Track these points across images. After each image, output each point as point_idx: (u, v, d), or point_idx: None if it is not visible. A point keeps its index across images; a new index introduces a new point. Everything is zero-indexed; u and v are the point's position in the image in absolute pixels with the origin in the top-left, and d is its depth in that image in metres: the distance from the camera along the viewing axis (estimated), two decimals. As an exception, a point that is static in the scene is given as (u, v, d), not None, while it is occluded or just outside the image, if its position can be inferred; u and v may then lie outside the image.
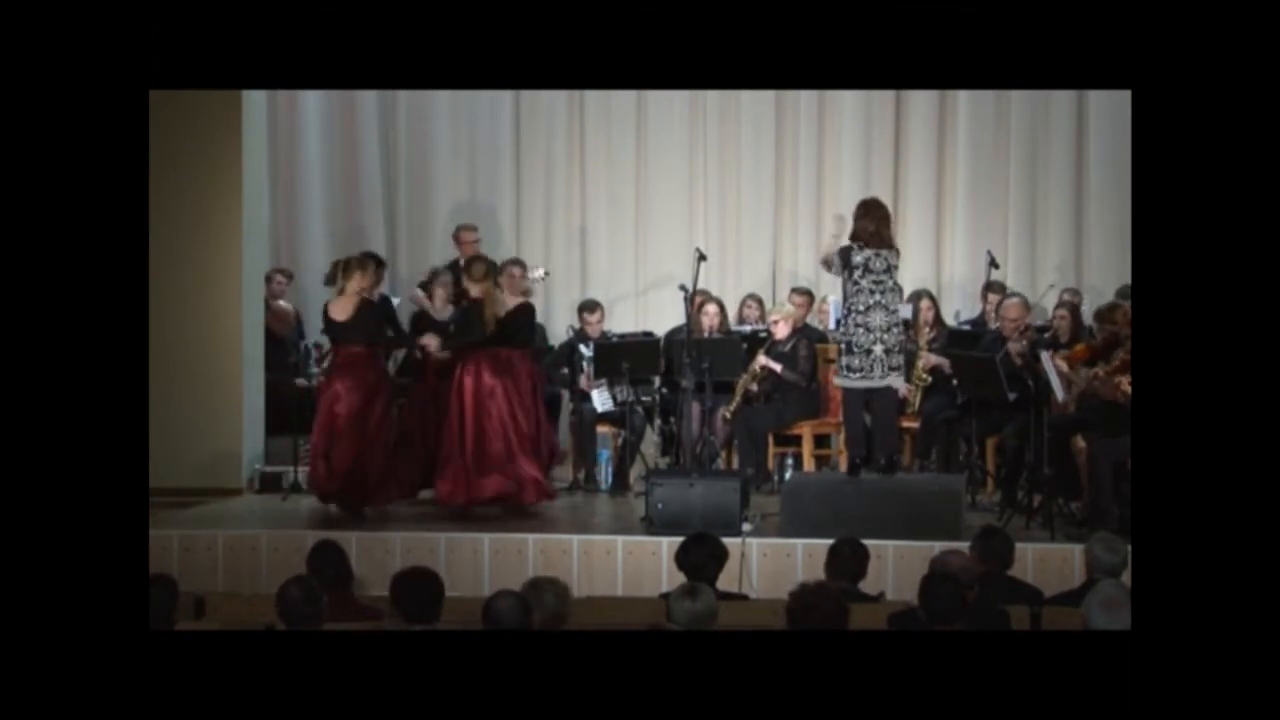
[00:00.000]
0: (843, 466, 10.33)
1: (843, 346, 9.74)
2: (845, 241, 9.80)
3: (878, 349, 9.65)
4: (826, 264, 9.91)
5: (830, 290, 12.02)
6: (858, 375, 9.69)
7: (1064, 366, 9.67)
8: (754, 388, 11.14)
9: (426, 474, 10.30)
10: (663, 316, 12.60)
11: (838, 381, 9.92)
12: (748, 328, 11.75)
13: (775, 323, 11.28)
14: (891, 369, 9.72)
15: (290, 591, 6.18)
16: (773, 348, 11.19)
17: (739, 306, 12.09)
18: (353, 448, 9.98)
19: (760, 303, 12.18)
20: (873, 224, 9.74)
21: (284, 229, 13.49)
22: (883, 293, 9.67)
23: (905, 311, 11.05)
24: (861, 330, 9.63)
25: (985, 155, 13.14)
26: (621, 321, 12.90)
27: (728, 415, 11.08)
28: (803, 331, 11.41)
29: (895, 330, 9.73)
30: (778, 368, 11.11)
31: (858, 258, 9.66)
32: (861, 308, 9.64)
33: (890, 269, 9.72)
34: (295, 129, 13.49)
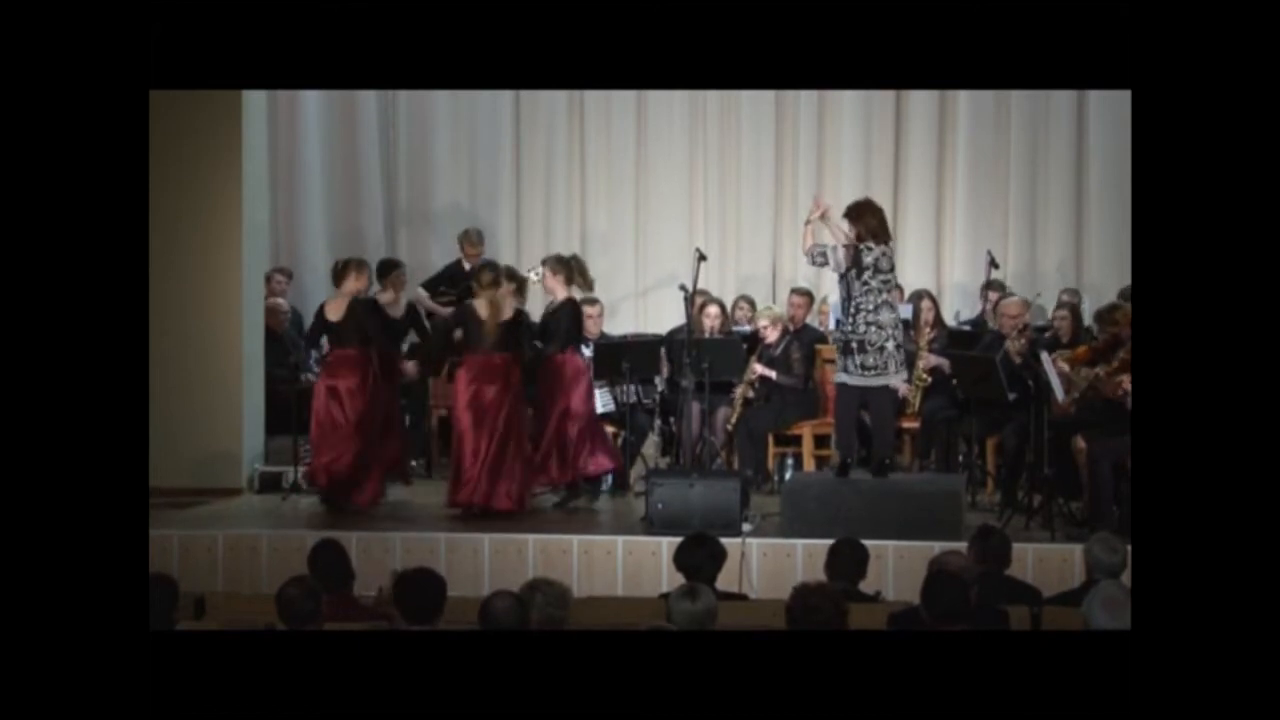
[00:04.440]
0: (843, 467, 10.33)
1: (854, 345, 9.74)
2: (833, 241, 9.84)
3: (890, 345, 9.72)
4: (817, 257, 9.91)
5: (831, 290, 12.01)
6: (872, 373, 9.73)
7: (1065, 367, 9.68)
8: (750, 394, 11.14)
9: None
10: (663, 316, 12.60)
11: (843, 379, 9.92)
12: (744, 328, 11.74)
13: (764, 327, 11.26)
14: (901, 365, 9.80)
15: (289, 591, 6.19)
16: (764, 353, 11.18)
17: (731, 307, 12.09)
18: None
19: (752, 303, 12.17)
20: (875, 218, 9.78)
21: (284, 229, 13.49)
22: (889, 291, 9.76)
23: (905, 311, 11.09)
24: (874, 328, 9.68)
25: (985, 155, 13.15)
26: (622, 322, 12.90)
27: (730, 427, 11.08)
28: (798, 333, 11.41)
29: (900, 327, 9.80)
30: (771, 374, 11.10)
31: (868, 258, 9.68)
32: (871, 306, 9.68)
33: (893, 268, 9.79)
34: (295, 129, 13.50)
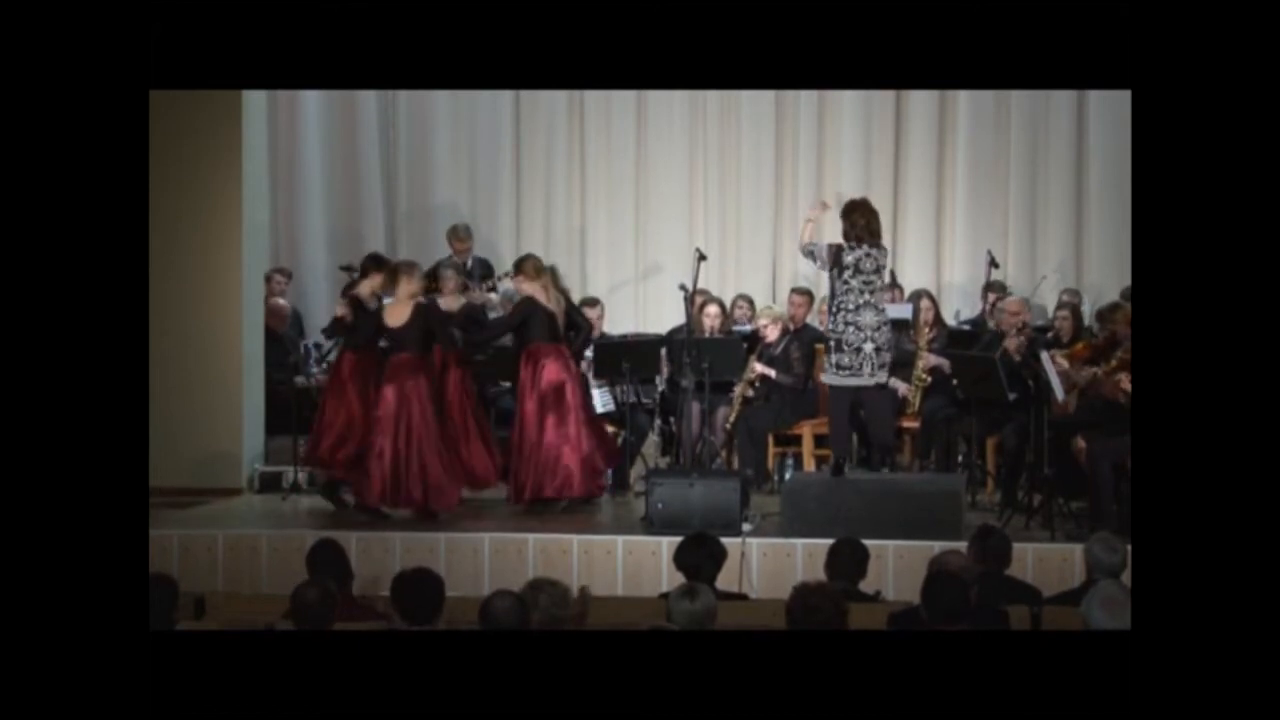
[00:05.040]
0: (843, 466, 10.33)
1: (831, 344, 9.77)
2: (834, 239, 9.86)
3: (868, 347, 9.68)
4: (808, 253, 9.93)
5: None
6: (846, 373, 9.71)
7: (1064, 364, 9.68)
8: (750, 394, 11.14)
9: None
10: (663, 316, 12.60)
11: (824, 379, 9.96)
12: (744, 328, 11.76)
13: (764, 326, 11.27)
14: (880, 367, 9.74)
15: (307, 594, 6.16)
16: (763, 352, 11.19)
17: (730, 307, 12.10)
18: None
19: (751, 303, 12.19)
20: (863, 218, 9.77)
21: (284, 229, 13.49)
22: (872, 292, 9.72)
23: (905, 311, 11.08)
24: (852, 329, 9.67)
25: (985, 155, 13.14)
26: (621, 321, 12.90)
27: (728, 426, 11.09)
28: (798, 332, 11.41)
29: (885, 329, 9.75)
30: (771, 373, 11.11)
31: (849, 258, 9.69)
32: (851, 306, 9.68)
33: (880, 269, 9.76)
34: (295, 129, 13.51)
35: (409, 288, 10.13)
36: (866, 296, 9.69)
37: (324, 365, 12.09)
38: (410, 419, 9.92)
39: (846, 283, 9.69)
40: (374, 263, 10.61)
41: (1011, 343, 10.27)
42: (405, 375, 10.00)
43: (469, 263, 12.29)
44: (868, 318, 9.68)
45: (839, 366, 9.72)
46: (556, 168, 13.56)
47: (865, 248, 9.71)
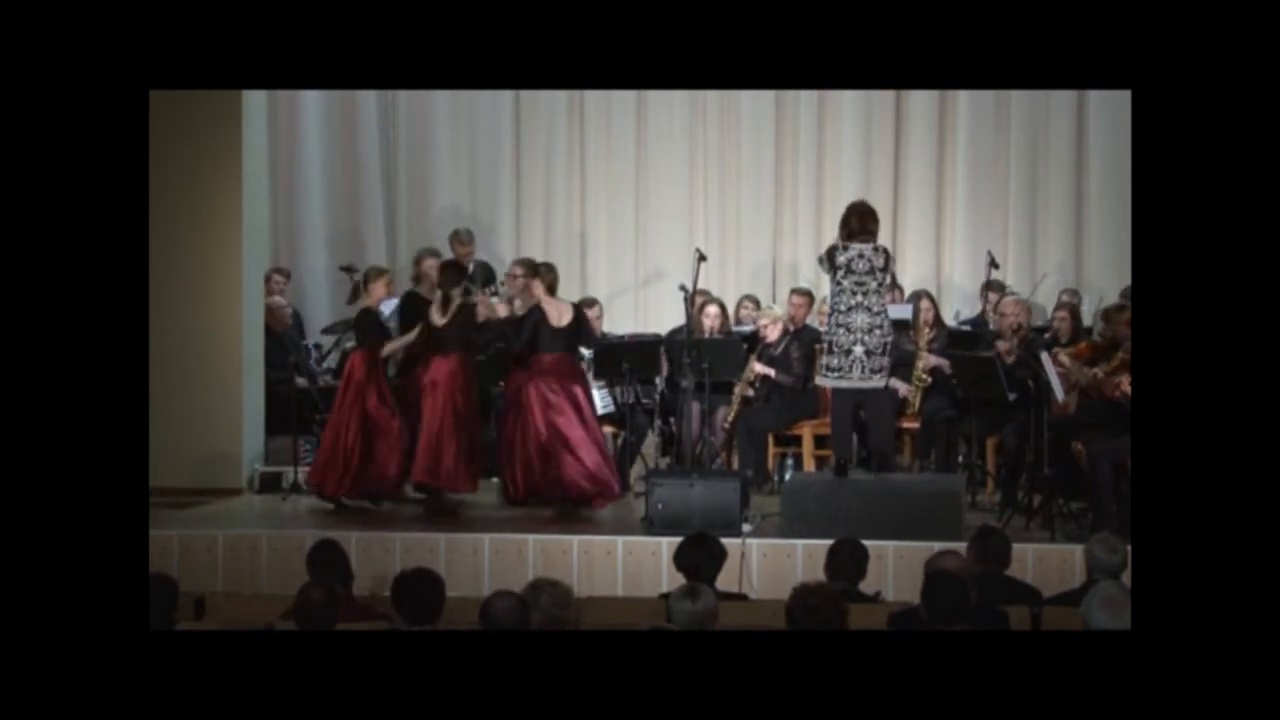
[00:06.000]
0: (843, 467, 10.33)
1: (825, 345, 9.78)
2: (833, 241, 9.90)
3: (857, 350, 9.67)
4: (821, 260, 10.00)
5: (831, 291, 12.04)
6: (835, 375, 9.72)
7: (1066, 362, 9.67)
8: (750, 393, 11.15)
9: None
10: (663, 316, 12.61)
11: (818, 380, 9.97)
12: (747, 328, 11.76)
13: (765, 326, 11.28)
14: (873, 371, 9.72)
15: (313, 594, 6.16)
16: (764, 352, 11.19)
17: (735, 307, 12.11)
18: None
19: (756, 303, 12.19)
20: (857, 220, 9.79)
21: (284, 229, 13.49)
22: (864, 294, 9.70)
23: (905, 312, 11.08)
24: (842, 330, 9.68)
25: (985, 155, 13.14)
26: (621, 322, 12.91)
27: (726, 425, 11.09)
28: (798, 333, 11.42)
29: (878, 332, 9.72)
30: (771, 373, 11.11)
31: (841, 258, 9.71)
32: (843, 308, 9.70)
33: (874, 270, 9.73)
34: (295, 129, 13.51)
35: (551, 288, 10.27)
36: (859, 298, 9.68)
37: (324, 366, 12.10)
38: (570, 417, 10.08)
39: (839, 283, 9.71)
40: (454, 271, 10.58)
41: (1003, 345, 10.28)
42: (564, 374, 10.11)
43: (470, 267, 12.28)
44: (859, 319, 9.67)
45: (828, 368, 9.74)
46: (556, 168, 13.56)
47: (857, 248, 9.71)
